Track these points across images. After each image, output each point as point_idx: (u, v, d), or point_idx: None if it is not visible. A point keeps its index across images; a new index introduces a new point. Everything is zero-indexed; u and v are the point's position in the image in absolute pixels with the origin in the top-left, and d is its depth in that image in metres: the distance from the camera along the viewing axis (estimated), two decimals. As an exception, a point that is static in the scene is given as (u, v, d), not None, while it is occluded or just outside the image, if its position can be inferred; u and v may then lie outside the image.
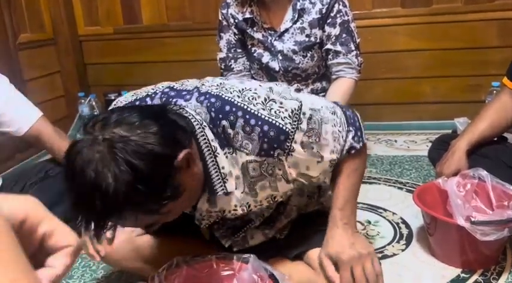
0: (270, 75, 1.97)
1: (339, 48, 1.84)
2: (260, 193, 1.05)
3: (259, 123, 0.95)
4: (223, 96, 0.99)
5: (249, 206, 1.07)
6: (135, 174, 0.81)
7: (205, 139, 0.96)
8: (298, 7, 1.83)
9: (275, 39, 1.89)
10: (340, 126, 1.06)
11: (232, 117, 0.96)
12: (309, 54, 1.89)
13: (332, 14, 1.82)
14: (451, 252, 1.35)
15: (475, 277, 1.30)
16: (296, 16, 1.84)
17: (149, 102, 1.05)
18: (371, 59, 2.23)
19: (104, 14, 2.87)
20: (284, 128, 0.96)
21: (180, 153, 0.87)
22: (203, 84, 1.04)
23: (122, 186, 0.80)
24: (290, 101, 0.99)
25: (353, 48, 1.85)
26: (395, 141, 2.47)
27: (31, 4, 2.62)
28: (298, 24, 1.86)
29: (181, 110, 0.97)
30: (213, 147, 0.97)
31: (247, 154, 0.97)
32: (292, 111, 0.97)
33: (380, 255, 1.42)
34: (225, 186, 0.99)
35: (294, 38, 1.87)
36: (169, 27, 2.79)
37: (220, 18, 1.97)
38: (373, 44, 2.45)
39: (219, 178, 0.99)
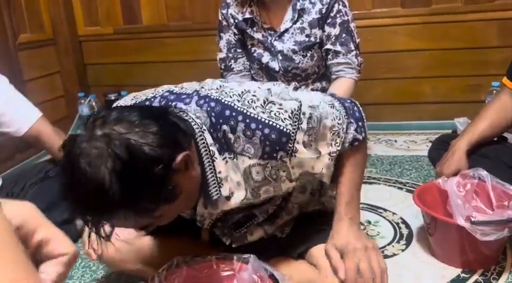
0: (270, 75, 1.97)
1: (338, 48, 1.84)
2: (263, 195, 1.05)
3: (260, 126, 0.95)
4: (223, 101, 0.98)
5: (252, 204, 1.08)
6: (130, 172, 0.81)
7: (204, 143, 0.96)
8: (298, 7, 1.83)
9: (275, 39, 1.89)
10: (339, 119, 1.06)
11: (232, 122, 0.96)
12: (308, 54, 1.89)
13: (332, 14, 1.82)
14: (451, 252, 1.35)
15: (475, 277, 1.30)
16: (296, 16, 1.84)
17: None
18: (371, 59, 2.23)
19: (103, 14, 2.87)
20: (285, 129, 0.96)
21: (178, 155, 0.87)
22: (202, 87, 1.03)
23: (116, 182, 0.80)
24: (289, 101, 0.99)
25: (353, 48, 1.85)
26: (396, 141, 2.46)
27: (31, 4, 2.62)
28: (298, 24, 1.86)
29: (181, 113, 0.97)
30: (211, 151, 0.97)
31: (249, 158, 0.97)
32: (292, 112, 0.97)
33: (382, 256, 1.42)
34: (219, 191, 0.99)
35: (293, 38, 1.87)
36: (169, 28, 2.79)
37: (220, 19, 1.97)
38: (373, 44, 2.45)
39: (214, 183, 0.98)
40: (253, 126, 0.95)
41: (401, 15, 2.47)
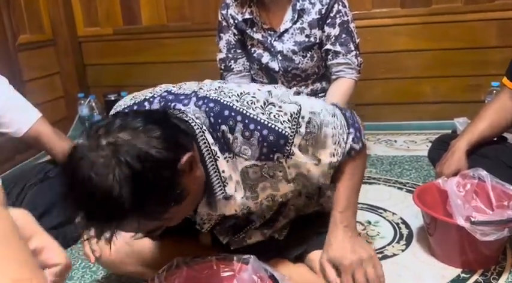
0: (269, 75, 1.97)
1: (338, 48, 1.84)
2: (261, 194, 1.05)
3: (259, 127, 0.95)
4: (221, 101, 0.98)
5: (249, 209, 1.08)
6: (139, 178, 0.81)
7: (205, 143, 0.96)
8: (297, 7, 1.83)
9: (275, 40, 1.89)
10: (340, 129, 1.06)
11: (231, 122, 0.96)
12: (308, 55, 1.89)
13: (331, 15, 1.82)
14: (451, 252, 1.35)
15: (475, 277, 1.30)
16: (296, 16, 1.84)
17: (148, 107, 1.05)
18: (371, 59, 2.23)
19: (103, 14, 2.87)
20: (283, 132, 0.96)
21: (183, 157, 0.87)
22: (201, 88, 1.03)
23: (126, 190, 0.80)
24: (289, 104, 0.99)
25: (352, 48, 1.85)
26: (395, 141, 2.46)
27: (30, 5, 2.62)
28: (297, 25, 1.86)
29: (181, 114, 0.97)
30: (213, 151, 0.97)
31: (246, 159, 0.97)
32: (291, 115, 0.97)
33: (380, 256, 1.42)
34: (224, 190, 0.99)
35: (293, 39, 1.87)
36: (169, 28, 2.79)
37: (219, 19, 1.97)
38: (373, 44, 2.45)
39: (219, 182, 0.98)
40: (251, 126, 0.95)
41: (401, 15, 2.47)
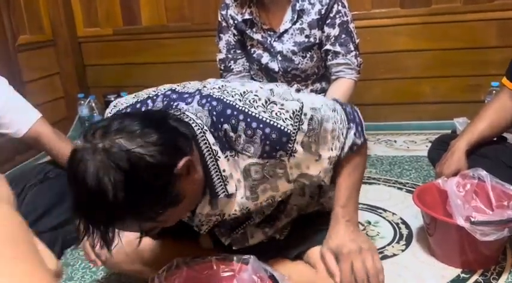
0: (269, 76, 1.97)
1: (338, 48, 1.84)
2: (261, 196, 1.05)
3: (261, 125, 0.95)
4: (224, 100, 0.99)
5: (249, 210, 1.08)
6: (134, 183, 0.82)
7: (206, 143, 0.96)
8: (297, 8, 1.83)
9: (274, 40, 1.89)
10: (340, 123, 1.07)
11: (233, 121, 0.96)
12: (308, 55, 1.89)
13: (331, 15, 1.83)
14: (451, 252, 1.35)
15: (475, 277, 1.30)
16: (295, 17, 1.84)
17: (150, 105, 1.05)
18: (370, 60, 2.23)
19: (103, 15, 2.87)
20: (286, 129, 0.96)
21: (180, 161, 0.87)
22: (205, 87, 1.04)
23: (121, 194, 0.81)
24: (291, 102, 0.99)
25: (352, 48, 1.85)
26: (395, 141, 2.46)
27: (30, 6, 2.62)
28: (297, 25, 1.86)
29: (182, 115, 0.97)
30: (214, 151, 0.97)
31: (249, 157, 0.98)
32: (293, 112, 0.97)
33: (380, 256, 1.41)
34: (226, 189, 1.00)
35: (293, 39, 1.87)
36: (169, 29, 2.80)
37: (219, 19, 1.97)
38: (373, 44, 2.45)
39: (220, 181, 0.99)
40: (254, 125, 0.96)
41: (400, 15, 2.47)
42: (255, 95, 0.99)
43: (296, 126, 0.97)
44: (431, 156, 1.72)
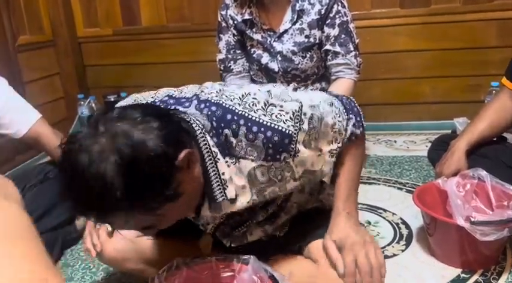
0: (269, 76, 1.97)
1: (338, 48, 1.84)
2: (267, 195, 1.05)
3: (262, 129, 0.95)
4: (224, 104, 0.98)
5: (253, 203, 1.08)
6: (134, 168, 0.80)
7: (206, 144, 0.96)
8: (297, 8, 1.83)
9: (274, 40, 1.89)
10: (340, 116, 1.06)
11: (234, 126, 0.96)
12: (308, 55, 1.89)
13: (331, 15, 1.83)
14: (451, 252, 1.35)
15: (475, 277, 1.30)
16: (295, 17, 1.84)
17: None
18: (370, 60, 2.23)
19: (103, 15, 2.87)
20: (287, 131, 0.96)
21: (181, 153, 0.87)
22: (202, 91, 1.03)
23: (119, 179, 0.79)
24: (290, 102, 0.99)
25: (352, 48, 1.85)
26: (395, 141, 2.47)
27: (30, 6, 2.62)
28: (297, 25, 1.86)
29: (183, 115, 0.97)
30: (213, 153, 0.96)
31: (253, 160, 0.97)
32: (293, 113, 0.97)
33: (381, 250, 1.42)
34: (224, 193, 0.99)
35: (293, 39, 1.87)
36: (168, 29, 2.80)
37: (219, 20, 1.97)
38: (372, 44, 2.45)
39: (219, 185, 0.98)
40: (255, 129, 0.95)
41: (400, 15, 2.47)
42: (253, 98, 0.99)
43: (297, 126, 0.97)
44: (431, 156, 1.72)
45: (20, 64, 2.50)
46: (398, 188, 1.92)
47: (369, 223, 1.65)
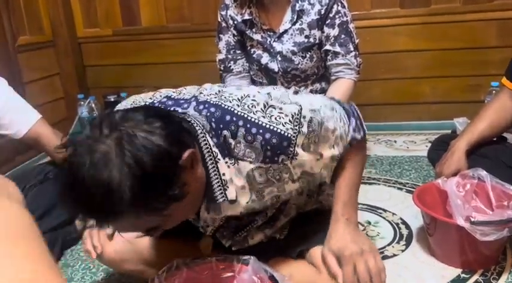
0: (269, 76, 1.97)
1: (337, 49, 1.84)
2: (267, 197, 1.05)
3: (261, 131, 0.95)
4: (223, 106, 0.98)
5: (254, 209, 1.08)
6: (141, 169, 0.80)
7: (206, 144, 0.96)
8: (297, 8, 1.83)
9: (274, 41, 1.89)
10: (340, 121, 1.06)
11: (233, 127, 0.96)
12: (308, 55, 1.89)
13: (331, 15, 1.83)
14: (451, 253, 1.35)
15: (475, 277, 1.30)
16: (295, 17, 1.84)
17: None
18: (370, 60, 2.24)
19: (102, 16, 2.87)
20: (286, 133, 0.96)
21: (184, 153, 0.87)
22: (201, 93, 1.03)
23: (127, 180, 0.79)
24: (289, 105, 0.99)
25: (352, 48, 1.85)
26: (395, 141, 2.47)
27: (30, 6, 2.62)
28: (297, 25, 1.86)
29: (184, 115, 0.97)
30: (214, 153, 0.96)
31: (251, 162, 0.97)
32: (292, 116, 0.97)
33: (380, 255, 1.42)
34: (225, 194, 0.99)
35: (293, 39, 1.87)
36: (168, 29, 2.80)
37: (219, 20, 1.97)
38: (372, 44, 2.45)
39: (219, 185, 0.98)
40: (254, 130, 0.95)
41: (400, 15, 2.47)
42: (253, 100, 0.99)
43: (296, 129, 0.96)
44: (431, 156, 1.72)
45: (20, 64, 2.50)
46: (398, 188, 1.92)
47: (369, 223, 1.65)
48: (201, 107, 0.99)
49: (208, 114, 0.97)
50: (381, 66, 2.53)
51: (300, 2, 1.83)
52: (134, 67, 2.91)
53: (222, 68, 2.01)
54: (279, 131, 0.95)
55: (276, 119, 0.96)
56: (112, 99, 2.79)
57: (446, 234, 1.34)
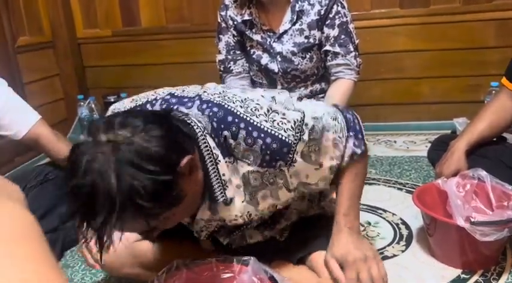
0: (269, 76, 1.97)
1: (337, 49, 1.84)
2: (261, 203, 1.05)
3: (262, 135, 0.95)
4: (225, 106, 0.98)
5: (250, 215, 1.07)
6: (138, 176, 0.80)
7: (207, 146, 0.96)
8: (296, 9, 1.83)
9: (274, 41, 1.89)
10: (340, 132, 1.06)
11: (234, 128, 0.96)
12: (307, 56, 1.89)
13: (331, 15, 1.83)
14: (451, 253, 1.35)
15: (475, 277, 1.30)
16: (295, 18, 1.84)
17: (150, 109, 1.04)
18: (370, 60, 2.24)
19: (102, 16, 2.87)
20: (287, 140, 0.96)
21: (183, 159, 0.87)
22: (205, 92, 1.03)
23: (124, 187, 0.79)
24: (293, 112, 0.99)
25: (352, 49, 1.85)
26: (395, 141, 2.46)
27: (30, 7, 2.62)
28: (297, 26, 1.86)
29: (184, 117, 0.97)
30: (214, 154, 0.96)
31: (248, 164, 0.97)
32: (294, 123, 0.97)
33: (380, 257, 1.42)
34: (225, 193, 0.99)
35: (292, 40, 1.87)
36: (168, 30, 2.80)
37: (219, 20, 1.97)
38: (372, 44, 2.45)
39: (219, 186, 0.98)
40: (255, 134, 0.95)
41: (400, 15, 2.48)
42: (256, 103, 0.99)
43: (297, 136, 0.96)
44: (431, 156, 1.72)
45: (20, 65, 2.50)
46: (398, 188, 1.92)
47: (369, 223, 1.65)
48: (205, 106, 0.99)
49: (211, 113, 0.98)
50: (381, 66, 2.54)
51: (299, 2, 1.83)
52: (134, 68, 2.91)
53: (221, 69, 2.01)
54: (280, 136, 0.95)
55: (278, 124, 0.96)
56: (112, 100, 2.79)
57: (446, 234, 1.34)
